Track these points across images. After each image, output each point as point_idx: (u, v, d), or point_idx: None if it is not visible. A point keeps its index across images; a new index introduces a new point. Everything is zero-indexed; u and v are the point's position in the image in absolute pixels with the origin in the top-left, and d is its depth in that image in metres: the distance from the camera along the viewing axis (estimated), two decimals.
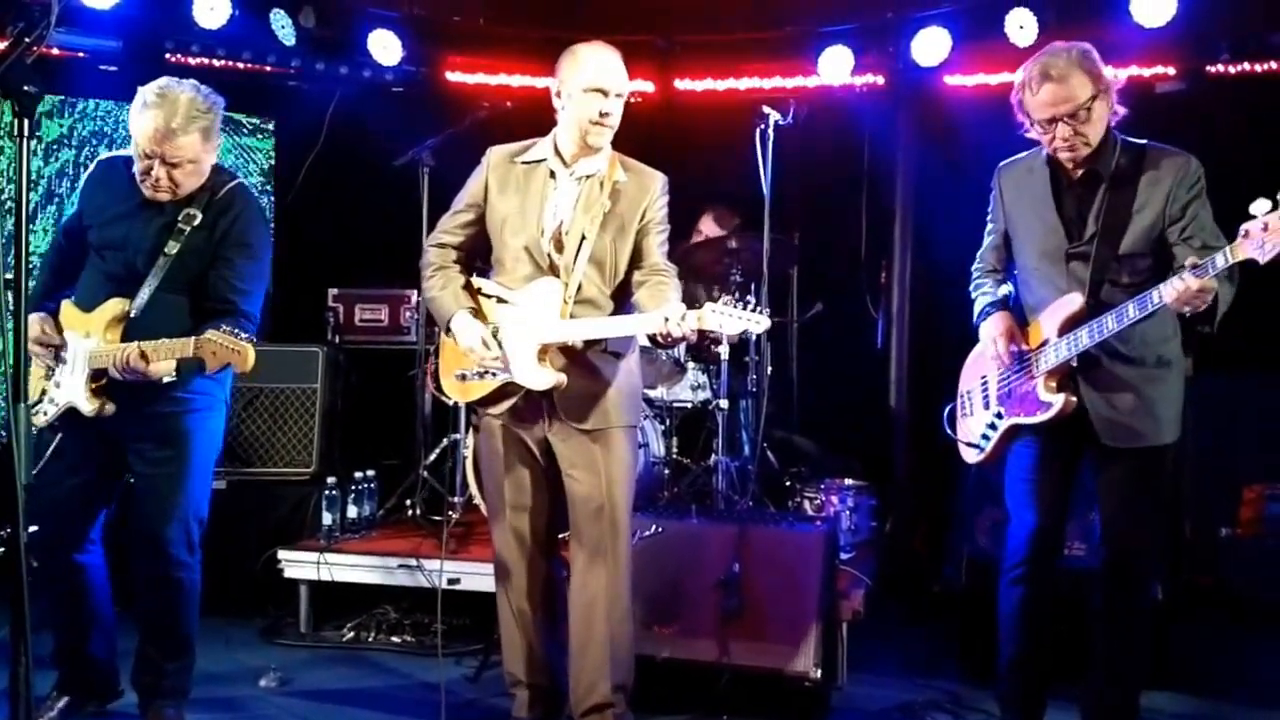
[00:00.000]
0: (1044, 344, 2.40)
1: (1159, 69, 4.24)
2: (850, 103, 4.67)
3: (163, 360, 2.39)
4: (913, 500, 4.44)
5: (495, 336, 2.47)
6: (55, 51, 4.45)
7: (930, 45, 4.32)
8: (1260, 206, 2.05)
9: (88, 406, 2.50)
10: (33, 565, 2.09)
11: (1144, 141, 2.40)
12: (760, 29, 4.67)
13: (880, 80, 4.61)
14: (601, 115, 2.41)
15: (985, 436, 2.52)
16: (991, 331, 2.49)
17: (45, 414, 2.58)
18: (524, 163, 2.53)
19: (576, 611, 2.53)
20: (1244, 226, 2.07)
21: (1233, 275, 2.23)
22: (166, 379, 2.45)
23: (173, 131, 2.41)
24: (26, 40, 1.72)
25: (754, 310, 2.23)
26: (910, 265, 4.65)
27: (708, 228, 4.29)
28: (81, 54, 4.45)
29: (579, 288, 2.44)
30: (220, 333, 2.31)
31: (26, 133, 1.74)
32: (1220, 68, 4.19)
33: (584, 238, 2.44)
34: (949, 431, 2.67)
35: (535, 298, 2.45)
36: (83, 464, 2.59)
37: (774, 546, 3.17)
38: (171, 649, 2.65)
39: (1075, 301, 2.35)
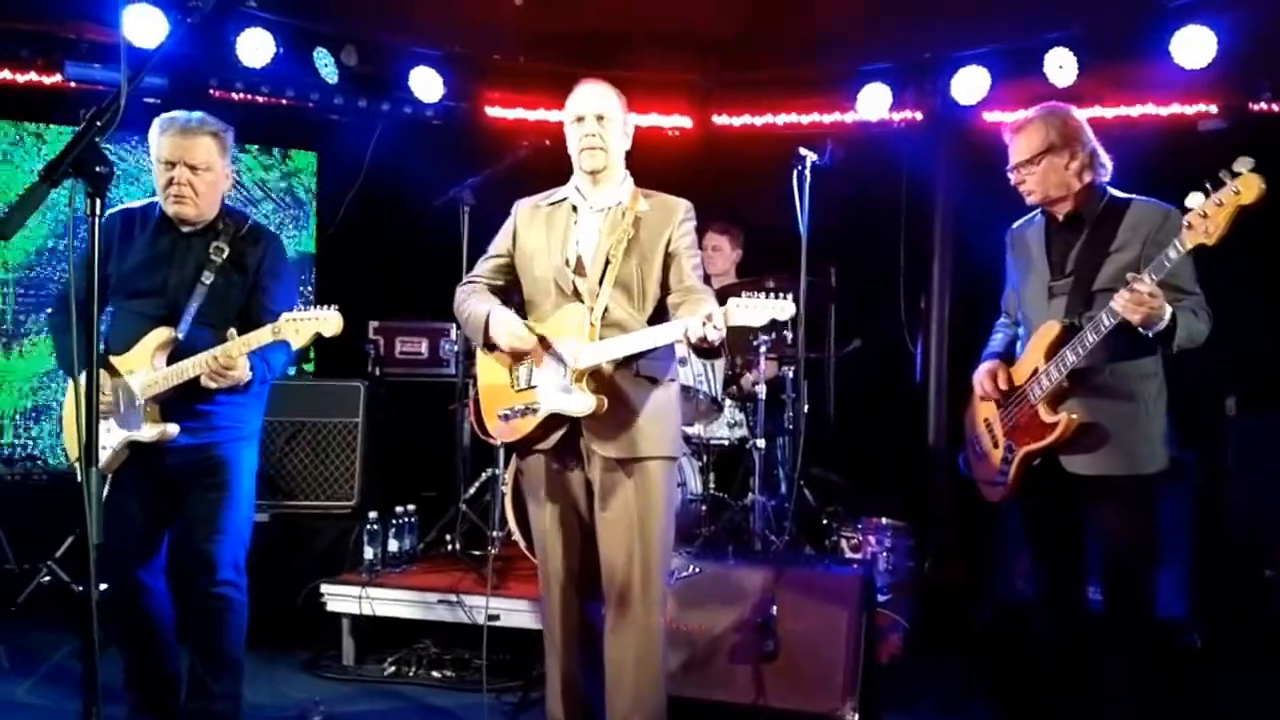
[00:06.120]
0: (1035, 372, 2.55)
1: (1201, 107, 4.24)
2: (888, 139, 4.69)
3: (243, 357, 2.54)
4: (951, 538, 4.41)
5: (530, 370, 2.50)
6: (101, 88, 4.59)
7: (969, 84, 4.34)
8: (1195, 199, 2.25)
9: (150, 433, 2.58)
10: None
11: (1131, 195, 2.57)
12: (799, 67, 4.71)
13: (919, 117, 4.63)
14: (584, 138, 2.53)
15: (1003, 472, 2.63)
16: (977, 376, 2.73)
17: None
18: (549, 204, 2.62)
19: (608, 658, 2.54)
20: (1185, 219, 2.25)
21: (1199, 313, 2.42)
22: (245, 379, 2.58)
23: (188, 132, 2.64)
24: (98, 124, 1.77)
25: (777, 297, 2.25)
26: (949, 299, 4.65)
27: (714, 241, 4.32)
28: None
29: (605, 311, 2.46)
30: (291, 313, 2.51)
31: (99, 212, 1.80)
32: (1263, 105, 4.18)
33: (608, 262, 2.48)
34: (966, 474, 2.81)
35: (563, 324, 2.49)
36: (140, 489, 2.66)
37: (811, 589, 3.18)
38: (220, 670, 2.70)
39: (1053, 328, 2.52)
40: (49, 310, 2.92)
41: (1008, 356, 2.73)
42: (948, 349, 4.64)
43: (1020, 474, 2.59)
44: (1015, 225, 2.77)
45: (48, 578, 4.02)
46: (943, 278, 4.66)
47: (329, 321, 2.52)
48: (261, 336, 2.53)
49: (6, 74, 4.71)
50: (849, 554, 3.68)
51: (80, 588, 3.92)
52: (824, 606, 3.14)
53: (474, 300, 2.62)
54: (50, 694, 3.33)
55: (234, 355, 2.53)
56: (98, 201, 1.78)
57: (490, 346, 2.57)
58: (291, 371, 4.92)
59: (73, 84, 4.61)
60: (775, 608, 3.11)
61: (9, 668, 3.54)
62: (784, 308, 2.25)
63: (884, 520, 3.80)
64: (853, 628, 3.12)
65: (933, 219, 4.69)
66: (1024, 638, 3.26)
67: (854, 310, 4.74)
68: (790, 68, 4.73)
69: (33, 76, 4.71)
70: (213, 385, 2.55)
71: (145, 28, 4.15)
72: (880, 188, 4.81)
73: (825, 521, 3.92)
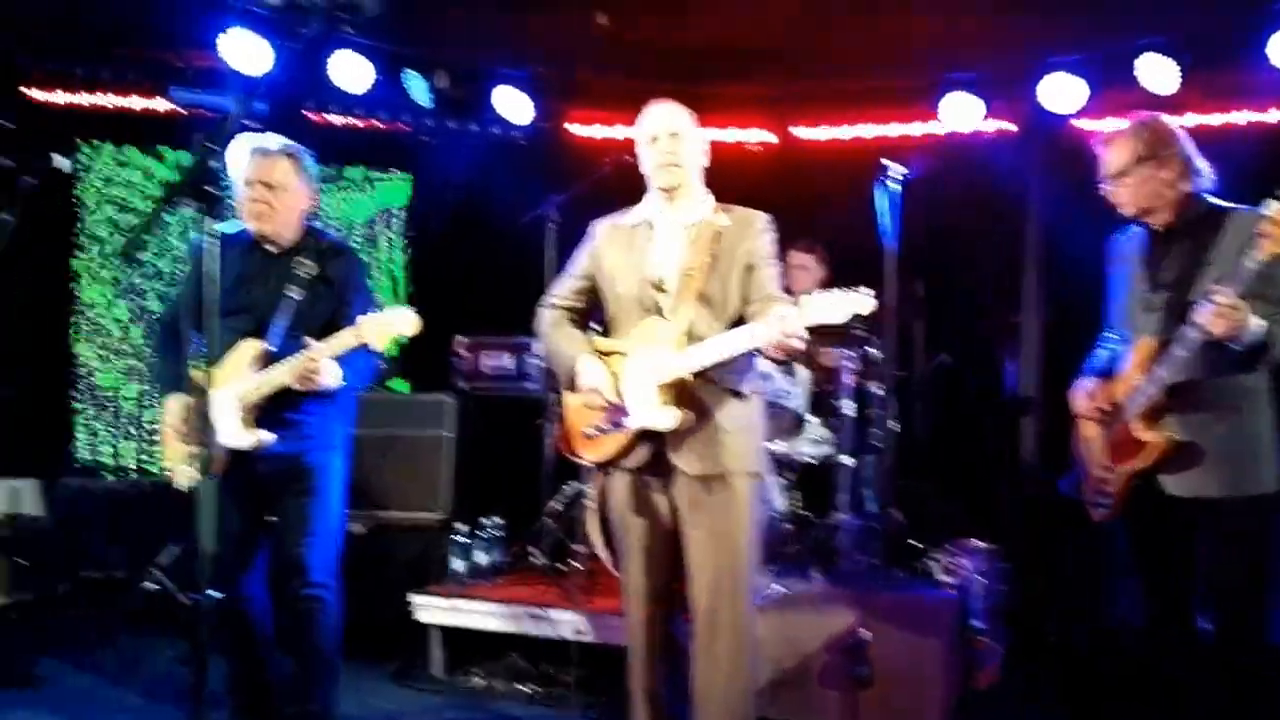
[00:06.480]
0: (1132, 389, 2.50)
1: None
2: (976, 149, 4.59)
3: (329, 361, 2.64)
4: (1049, 561, 4.25)
5: (616, 386, 2.51)
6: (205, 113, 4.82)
7: (1064, 92, 4.23)
8: (1272, 206, 2.21)
9: (248, 441, 2.69)
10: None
11: (1231, 204, 2.50)
12: (883, 77, 4.65)
13: (1007, 126, 4.54)
14: (660, 155, 2.54)
15: (1105, 492, 2.58)
16: (1072, 394, 2.69)
17: (194, 473, 2.75)
18: (627, 224, 2.64)
19: (696, 677, 2.51)
20: (1258, 228, 2.22)
21: None
22: (334, 384, 2.69)
23: (267, 154, 2.79)
24: (209, 147, 1.86)
25: (853, 291, 2.21)
26: (1043, 314, 4.51)
27: (799, 260, 4.26)
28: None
29: (688, 325, 2.46)
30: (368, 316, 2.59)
31: (213, 232, 1.89)
32: None
33: (689, 277, 2.48)
34: (1071, 493, 2.74)
35: (647, 339, 2.49)
36: (236, 497, 2.75)
37: (903, 613, 3.12)
38: (313, 672, 2.78)
39: (1149, 344, 2.47)
40: (153, 328, 3.06)
41: (1109, 373, 2.65)
42: (1043, 365, 4.50)
43: (1123, 494, 2.54)
44: (1117, 237, 2.72)
45: (151, 585, 4.18)
46: (1036, 292, 4.53)
47: (407, 321, 2.61)
48: (345, 340, 2.62)
49: (116, 99, 4.98)
50: (941, 577, 3.57)
51: (185, 596, 4.08)
52: (917, 631, 3.08)
53: (561, 338, 2.63)
54: (154, 698, 3.46)
55: (318, 359, 2.62)
56: (211, 221, 1.87)
57: (573, 389, 2.59)
58: (397, 387, 5.06)
59: (180, 109, 4.84)
60: (866, 632, 3.04)
61: (115, 672, 3.69)
62: (864, 301, 2.21)
63: (978, 543, 3.68)
64: (948, 654, 3.05)
65: (1024, 231, 4.57)
66: (1126, 664, 3.13)
67: (943, 326, 4.62)
68: (874, 78, 4.67)
69: (146, 104, 4.97)
70: (301, 388, 2.64)
71: (246, 54, 4.35)
72: (969, 199, 4.70)
73: (915, 543, 3.81)
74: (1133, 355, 2.52)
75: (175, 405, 2.78)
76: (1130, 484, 2.51)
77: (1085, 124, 4.40)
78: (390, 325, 2.60)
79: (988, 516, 4.20)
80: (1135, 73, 4.10)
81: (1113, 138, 2.57)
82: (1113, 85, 4.22)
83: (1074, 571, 3.93)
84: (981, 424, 4.65)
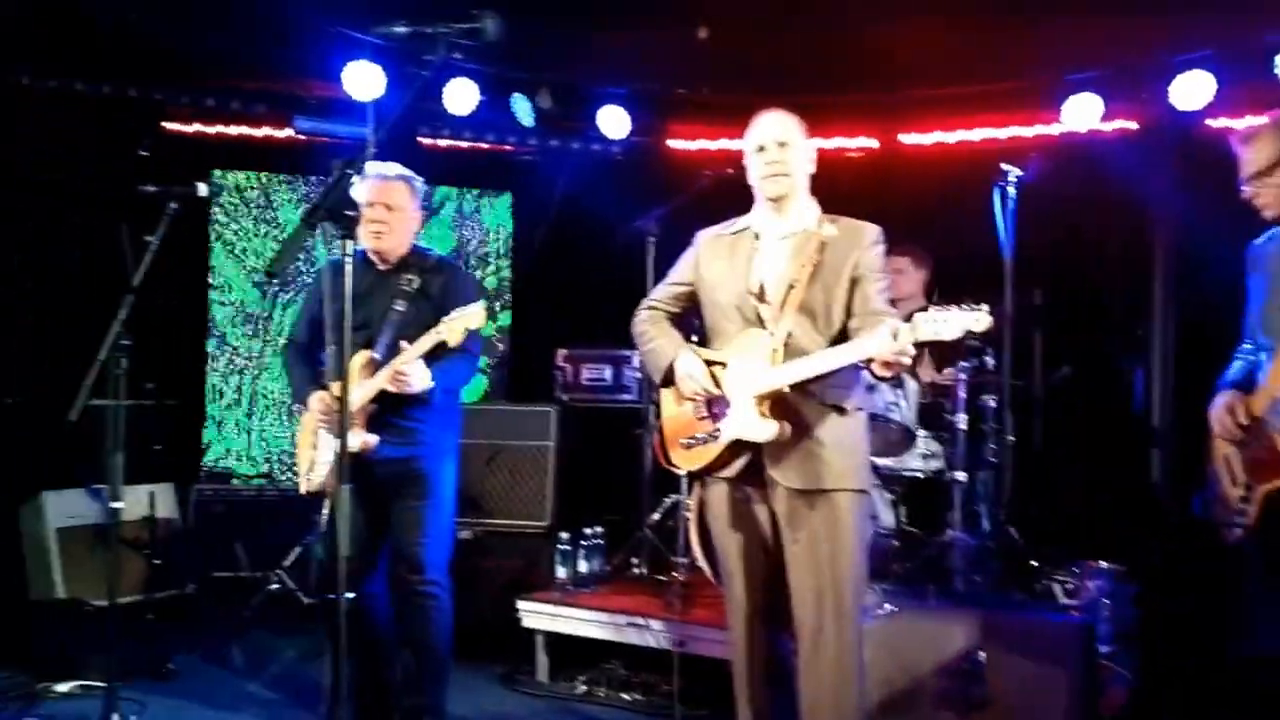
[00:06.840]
0: (1274, 403, 2.38)
1: None
2: (1095, 150, 4.38)
3: (419, 362, 2.80)
4: (1180, 584, 4.00)
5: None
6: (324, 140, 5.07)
7: (1191, 89, 4.02)
8: None
9: (354, 442, 2.79)
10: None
11: None
12: (995, 79, 4.49)
13: (1129, 125, 4.32)
14: (766, 165, 2.50)
15: (1241, 512, 2.46)
16: (1214, 410, 2.54)
17: (317, 477, 2.95)
18: (731, 233, 2.61)
19: (803, 694, 2.45)
20: None
21: None
22: (423, 385, 2.83)
23: (386, 178, 2.99)
24: (347, 171, 1.95)
25: (968, 308, 2.14)
26: (1173, 323, 4.26)
27: (895, 264, 4.12)
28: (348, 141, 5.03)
29: (788, 336, 2.41)
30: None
31: (350, 251, 1.98)
32: None
33: (791, 287, 2.44)
34: (1202, 514, 2.60)
35: (745, 350, 2.46)
36: (359, 500, 2.84)
37: (1025, 637, 2.96)
38: (427, 665, 2.92)
39: None
40: (282, 347, 3.26)
41: (1247, 385, 2.49)
42: (1173, 378, 4.25)
43: (1261, 514, 2.38)
44: (1255, 241, 2.57)
45: (277, 585, 4.40)
46: (1165, 300, 4.28)
47: (475, 314, 2.78)
48: (427, 340, 2.77)
49: (245, 128, 5.29)
50: (1064, 600, 3.40)
51: (307, 596, 4.29)
52: (1041, 657, 2.92)
53: (659, 336, 2.63)
54: (280, 692, 3.62)
55: (406, 361, 2.76)
56: (349, 243, 1.97)
57: (667, 384, 2.59)
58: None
59: (304, 138, 5.12)
60: (983, 654, 2.92)
61: (243, 667, 3.89)
62: (979, 318, 2.13)
63: (1104, 564, 3.48)
64: (1074, 681, 2.88)
65: (1152, 236, 4.34)
66: (1261, 692, 2.91)
67: (1064, 336, 4.41)
68: (987, 81, 4.51)
69: (272, 132, 5.27)
70: (394, 389, 2.79)
71: (364, 83, 4.56)
72: (1090, 203, 4.48)
73: (1035, 564, 3.63)
74: (1273, 367, 2.39)
75: (316, 397, 2.95)
76: (1268, 503, 2.36)
77: (1217, 122, 4.15)
78: (461, 319, 2.76)
79: (1112, 536, 3.98)
80: (1275, 69, 3.86)
81: (1252, 135, 2.45)
82: (1246, 81, 3.98)
83: (1204, 594, 3.67)
84: (1105, 439, 4.41)
